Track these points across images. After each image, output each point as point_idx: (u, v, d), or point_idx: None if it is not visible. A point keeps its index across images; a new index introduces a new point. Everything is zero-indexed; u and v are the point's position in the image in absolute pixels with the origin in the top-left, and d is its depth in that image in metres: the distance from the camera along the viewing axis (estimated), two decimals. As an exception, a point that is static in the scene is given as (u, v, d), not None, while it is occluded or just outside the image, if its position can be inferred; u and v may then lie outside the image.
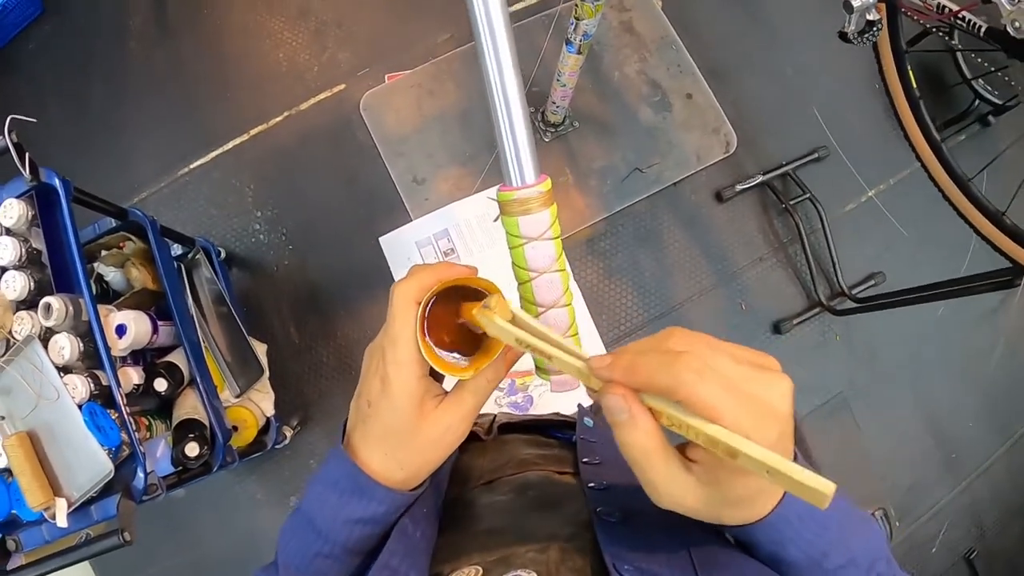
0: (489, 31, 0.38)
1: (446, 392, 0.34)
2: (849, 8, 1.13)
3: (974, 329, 1.51)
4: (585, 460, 0.41)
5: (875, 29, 1.18)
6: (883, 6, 1.40)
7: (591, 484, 0.37)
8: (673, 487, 0.26)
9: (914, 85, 1.50)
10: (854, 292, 1.42)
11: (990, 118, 1.55)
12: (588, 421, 0.48)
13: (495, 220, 0.42)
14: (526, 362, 0.40)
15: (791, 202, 1.43)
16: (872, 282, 1.47)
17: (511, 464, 0.44)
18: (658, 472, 0.26)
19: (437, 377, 0.35)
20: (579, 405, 0.53)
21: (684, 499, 0.26)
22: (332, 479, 0.33)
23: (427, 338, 0.32)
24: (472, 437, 0.50)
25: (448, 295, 0.32)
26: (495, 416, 0.54)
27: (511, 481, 0.41)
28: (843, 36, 1.19)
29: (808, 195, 1.43)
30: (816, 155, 1.47)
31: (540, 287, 0.40)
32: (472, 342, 0.34)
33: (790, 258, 1.46)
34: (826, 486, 0.22)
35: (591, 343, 1.35)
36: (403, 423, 0.32)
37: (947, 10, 1.26)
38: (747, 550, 0.31)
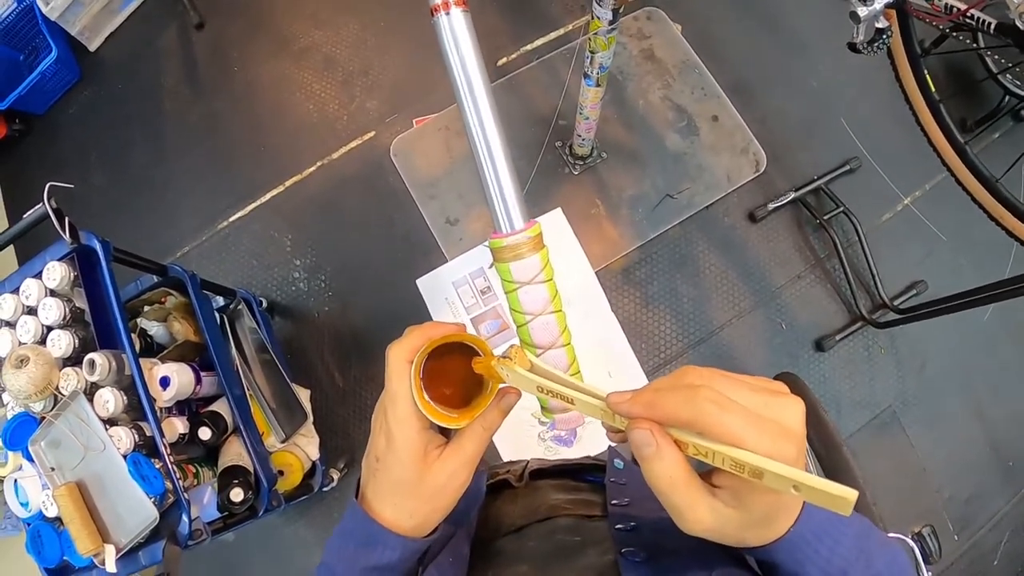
0: (468, 88, 0.39)
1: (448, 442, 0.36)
2: (856, 18, 1.11)
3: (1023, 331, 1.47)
4: (614, 503, 0.42)
5: (885, 37, 1.16)
6: (893, 12, 1.39)
7: (618, 526, 0.38)
8: (700, 512, 0.27)
9: (932, 89, 1.48)
10: (896, 303, 1.39)
11: (1022, 112, 1.51)
12: (619, 463, 0.49)
13: (490, 267, 0.44)
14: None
15: (825, 217, 1.41)
16: (914, 291, 1.44)
17: (541, 510, 0.45)
18: (685, 499, 0.27)
19: (445, 431, 0.37)
20: (610, 447, 0.53)
21: (710, 523, 0.27)
22: (348, 531, 0.36)
23: (424, 393, 0.34)
24: (504, 484, 0.51)
25: (442, 351, 0.34)
26: (527, 463, 0.55)
27: (540, 528, 0.42)
28: (852, 47, 1.18)
29: (842, 208, 1.41)
30: (848, 167, 1.45)
31: (536, 329, 0.41)
32: (468, 393, 0.36)
33: (828, 273, 1.44)
34: (848, 492, 0.23)
35: (631, 372, 1.35)
36: (409, 474, 0.34)
37: (955, 10, 1.24)
38: (771, 573, 0.32)
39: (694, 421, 0.25)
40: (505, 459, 1.32)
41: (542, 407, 0.42)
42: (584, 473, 0.54)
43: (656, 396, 0.27)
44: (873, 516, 0.97)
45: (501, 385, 0.35)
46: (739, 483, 0.27)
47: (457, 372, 0.36)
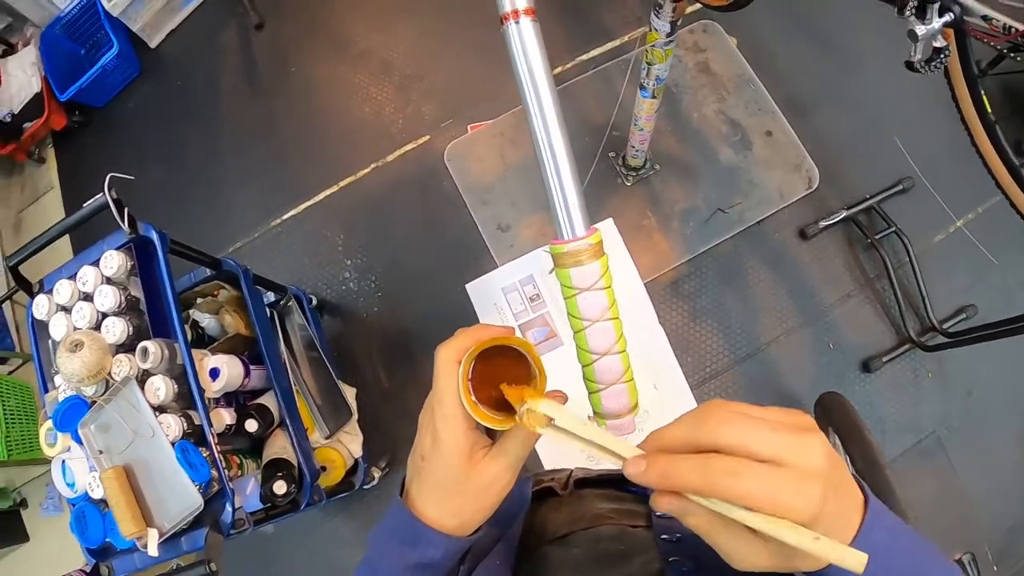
0: (535, 93, 0.40)
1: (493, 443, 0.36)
2: (914, 37, 1.10)
3: (1076, 361, 1.44)
4: (659, 514, 0.42)
5: (943, 56, 1.14)
6: (951, 32, 1.37)
7: (664, 536, 0.38)
8: (744, 553, 0.28)
9: (988, 109, 1.46)
10: (945, 326, 1.37)
11: (1083, 139, 1.48)
12: None
13: (550, 272, 0.44)
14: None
15: (877, 236, 1.40)
16: (964, 315, 1.42)
17: (585, 518, 0.45)
18: (727, 542, 0.28)
19: (491, 433, 0.37)
20: None
21: (757, 560, 0.28)
22: (391, 528, 0.36)
23: (472, 394, 0.34)
24: (549, 492, 0.52)
25: (491, 354, 0.35)
26: (571, 471, 0.55)
27: (584, 536, 0.43)
28: (910, 66, 1.16)
29: (894, 228, 1.40)
30: (901, 186, 1.44)
31: (593, 335, 0.41)
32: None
33: (878, 294, 1.42)
34: (858, 556, 0.24)
35: (677, 385, 1.35)
36: (454, 474, 0.34)
37: (1013, 30, 1.22)
38: None
39: (708, 490, 0.26)
40: (544, 458, 1.33)
41: (596, 413, 0.43)
42: (628, 483, 0.54)
43: (670, 467, 0.27)
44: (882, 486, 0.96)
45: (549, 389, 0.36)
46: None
47: (505, 374, 0.36)
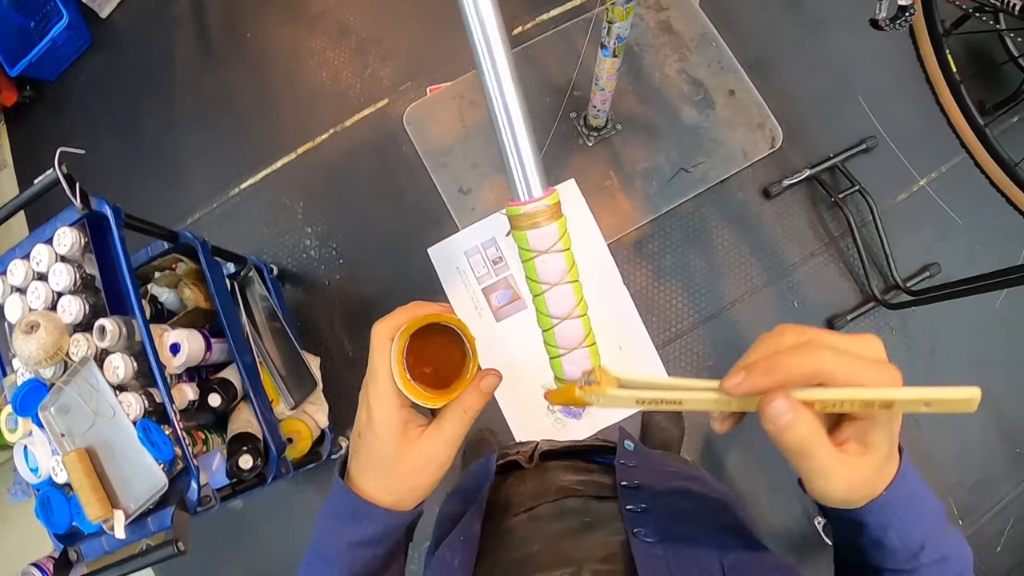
0: (487, 49, 0.38)
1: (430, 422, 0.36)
2: None
3: (1037, 318, 1.46)
4: (624, 484, 0.42)
5: (908, 15, 1.15)
6: None
7: (629, 507, 0.38)
8: (840, 470, 0.28)
9: (954, 69, 1.46)
10: (909, 285, 1.38)
11: (1043, 97, 1.49)
12: (629, 444, 0.50)
13: (507, 235, 0.43)
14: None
15: (840, 195, 1.40)
16: (927, 274, 1.43)
17: (550, 491, 0.45)
18: (828, 459, 0.27)
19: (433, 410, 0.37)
20: (620, 428, 0.55)
21: (848, 479, 0.28)
22: (332, 507, 0.37)
23: (407, 372, 0.34)
24: (514, 465, 0.52)
25: (428, 331, 0.35)
26: (537, 444, 0.55)
27: (550, 508, 0.42)
28: (875, 24, 1.16)
29: (858, 187, 1.40)
30: (864, 146, 1.44)
31: (552, 299, 0.40)
32: (451, 374, 0.36)
33: (842, 252, 1.43)
34: (971, 391, 0.25)
35: (642, 346, 1.35)
36: (387, 451, 0.34)
37: None
38: (853, 537, 0.33)
39: (818, 373, 0.26)
40: (514, 428, 1.32)
41: (557, 379, 0.42)
42: (593, 454, 0.54)
43: (775, 361, 0.26)
44: None
45: (481, 368, 0.36)
46: (861, 429, 0.28)
47: (441, 353, 0.36)
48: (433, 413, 0.36)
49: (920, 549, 0.31)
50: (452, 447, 0.35)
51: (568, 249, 0.41)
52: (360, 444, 0.35)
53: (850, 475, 0.28)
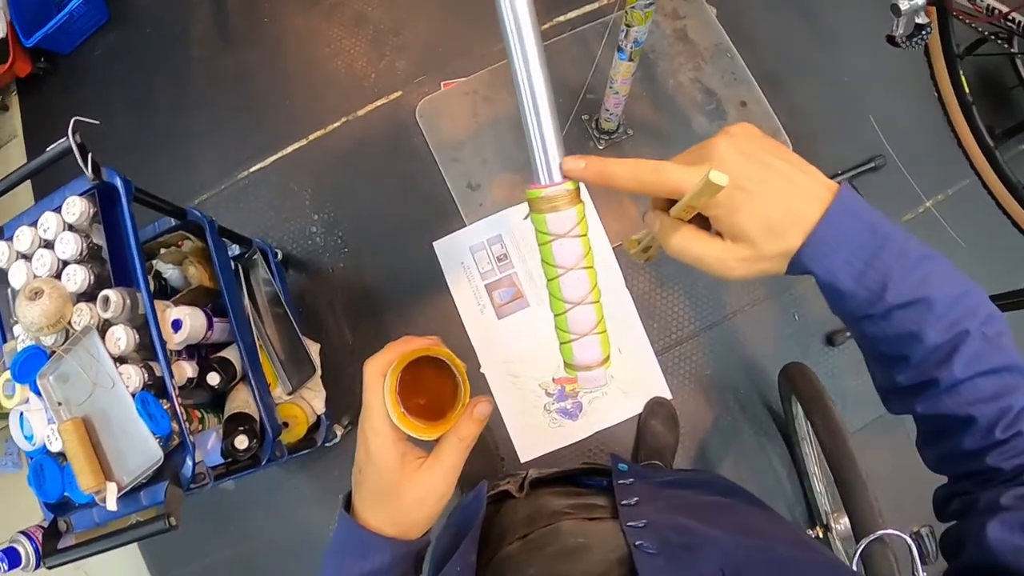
0: (516, 30, 0.38)
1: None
2: (897, 11, 1.11)
3: (1037, 344, 1.46)
4: (624, 503, 0.43)
5: (924, 33, 1.15)
6: (933, 9, 1.38)
7: (630, 523, 0.39)
8: (727, 253, 0.33)
9: (967, 90, 1.47)
10: (910, 304, 1.39)
11: (1054, 126, 1.50)
12: (623, 466, 0.50)
13: (525, 218, 0.43)
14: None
15: (846, 212, 1.40)
16: (928, 294, 1.43)
17: (543, 516, 0.45)
18: (714, 250, 0.33)
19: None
20: (611, 454, 0.55)
21: (740, 257, 0.33)
22: (340, 542, 0.38)
23: (400, 406, 0.35)
24: (506, 495, 0.52)
25: (420, 363, 0.36)
26: (527, 473, 0.56)
27: (544, 532, 0.43)
28: (891, 40, 1.17)
29: (864, 205, 1.40)
30: (872, 164, 1.45)
31: (567, 283, 0.40)
32: (444, 406, 0.37)
33: (845, 269, 1.43)
34: (718, 175, 0.29)
35: (641, 350, 1.35)
36: (387, 485, 0.35)
37: (996, 12, 1.23)
38: (830, 302, 0.35)
39: (634, 178, 0.34)
40: (511, 427, 1.32)
41: (567, 364, 0.42)
42: (583, 478, 0.55)
43: (605, 165, 0.35)
44: (874, 512, 0.96)
45: (474, 397, 0.37)
46: (720, 214, 0.32)
47: (433, 385, 0.37)
48: (430, 444, 0.37)
49: (882, 288, 0.31)
50: (451, 477, 0.36)
51: (585, 235, 0.41)
52: (361, 480, 0.36)
53: (742, 257, 0.32)
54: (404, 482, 0.35)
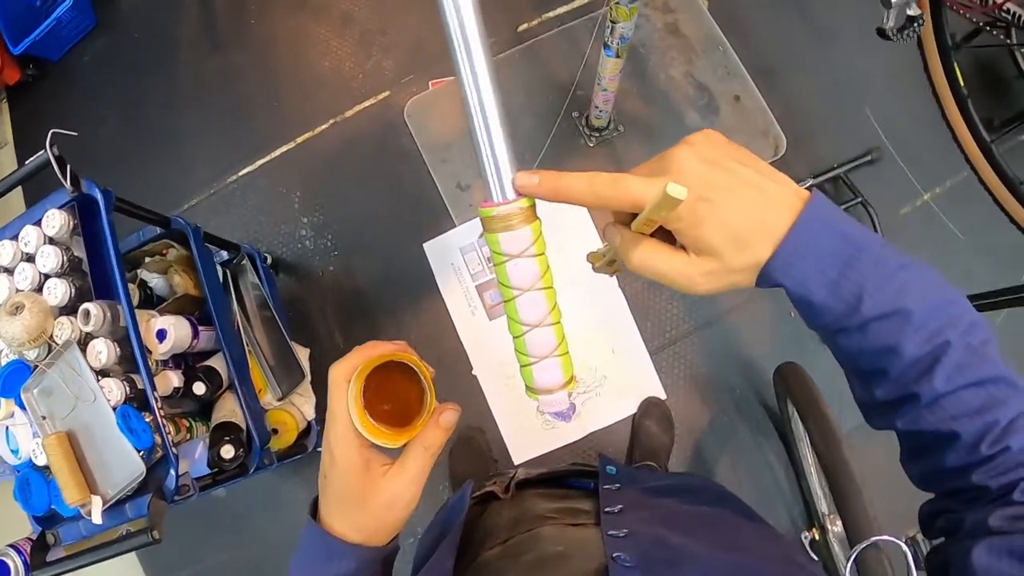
0: (462, 38, 0.36)
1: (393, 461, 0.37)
2: (887, 3, 1.08)
3: (1036, 339, 1.44)
4: (607, 510, 0.41)
5: (916, 25, 1.13)
6: (926, 1, 1.35)
7: (610, 532, 0.38)
8: (692, 268, 0.31)
9: (961, 83, 1.44)
10: (908, 299, 1.37)
11: (1053, 117, 1.47)
12: (611, 469, 0.49)
13: (479, 237, 0.42)
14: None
15: (843, 206, 1.38)
16: (927, 289, 1.41)
17: (526, 520, 0.44)
18: (677, 264, 0.32)
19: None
20: (600, 455, 0.54)
21: (703, 269, 0.31)
22: (305, 548, 0.37)
23: (366, 412, 0.35)
24: (491, 496, 0.51)
25: (387, 368, 0.35)
26: (514, 473, 0.55)
27: (524, 538, 0.42)
28: (881, 33, 1.14)
29: (860, 199, 1.38)
30: (869, 157, 1.42)
31: (523, 305, 0.38)
32: (411, 412, 0.37)
33: (841, 264, 1.41)
34: (677, 188, 0.27)
35: (634, 350, 1.33)
36: (352, 491, 0.35)
37: (991, 2, 1.21)
38: (797, 306, 0.33)
39: (593, 195, 0.32)
40: (503, 429, 1.31)
41: (527, 387, 0.41)
42: (571, 479, 0.54)
43: (560, 180, 0.33)
44: (869, 518, 0.95)
45: (438, 405, 0.37)
46: (682, 227, 0.31)
47: (399, 391, 0.37)
48: (396, 450, 0.37)
49: (857, 300, 0.29)
50: (417, 484, 0.36)
51: (542, 254, 0.39)
52: (326, 485, 0.36)
53: (707, 271, 0.31)
54: (370, 488, 0.35)
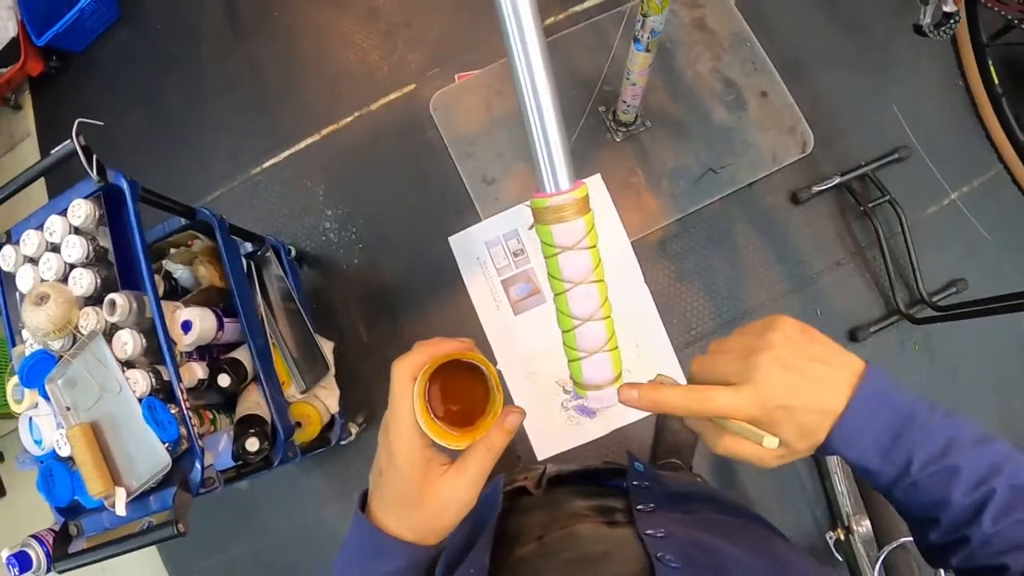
0: (518, 31, 0.36)
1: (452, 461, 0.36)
2: (924, 0, 1.07)
3: (1063, 341, 1.42)
4: (639, 507, 0.41)
5: (952, 22, 1.11)
6: None
7: (648, 531, 0.37)
8: (767, 453, 0.35)
9: (996, 81, 1.43)
10: (935, 300, 1.35)
11: (1086, 116, 1.45)
12: (639, 466, 0.49)
13: (530, 228, 0.40)
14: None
15: (870, 204, 1.37)
16: (954, 289, 1.40)
17: (560, 518, 0.43)
18: (756, 452, 0.35)
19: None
20: (628, 452, 0.54)
21: (775, 455, 0.35)
22: (354, 544, 0.37)
23: (429, 410, 0.34)
24: (522, 491, 0.51)
25: (450, 366, 0.35)
26: (544, 469, 0.54)
27: (561, 536, 0.41)
28: (918, 29, 1.13)
29: (888, 197, 1.37)
30: (896, 155, 1.41)
31: (575, 299, 0.38)
32: (474, 411, 0.36)
33: (868, 263, 1.40)
34: (769, 437, 0.33)
35: (660, 346, 1.33)
36: (410, 491, 0.34)
37: None
38: (854, 469, 0.37)
39: (687, 408, 0.36)
40: (528, 424, 1.31)
41: (575, 383, 0.40)
42: (602, 477, 0.53)
43: (657, 394, 0.36)
44: (897, 520, 0.94)
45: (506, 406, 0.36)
46: (760, 425, 0.34)
47: (464, 390, 0.36)
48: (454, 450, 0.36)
49: (907, 463, 0.33)
50: (476, 487, 0.35)
51: (595, 246, 0.38)
52: (381, 482, 0.35)
53: (773, 452, 0.35)
54: (428, 489, 0.34)
